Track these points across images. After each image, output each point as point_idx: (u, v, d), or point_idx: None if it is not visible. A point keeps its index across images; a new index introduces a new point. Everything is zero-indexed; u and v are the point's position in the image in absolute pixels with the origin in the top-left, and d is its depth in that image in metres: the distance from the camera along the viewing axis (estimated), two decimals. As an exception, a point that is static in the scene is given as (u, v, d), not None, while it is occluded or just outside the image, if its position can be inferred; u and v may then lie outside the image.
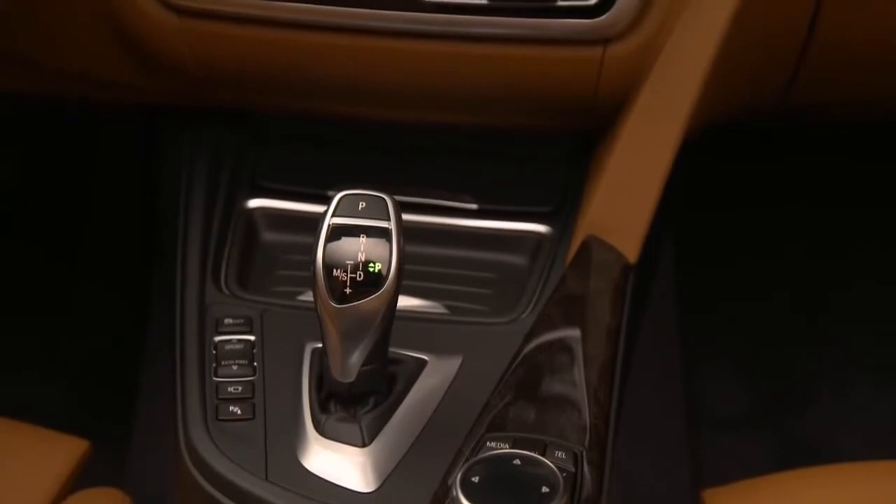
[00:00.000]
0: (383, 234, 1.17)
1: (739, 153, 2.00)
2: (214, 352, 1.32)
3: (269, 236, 1.53)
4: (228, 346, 1.33)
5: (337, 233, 1.17)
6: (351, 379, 1.20)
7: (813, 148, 2.07)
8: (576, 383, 1.28)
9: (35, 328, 2.06)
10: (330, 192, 1.42)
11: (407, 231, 1.19)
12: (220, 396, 1.28)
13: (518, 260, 1.50)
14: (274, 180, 1.56)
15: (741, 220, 2.19)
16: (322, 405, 1.25)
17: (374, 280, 1.16)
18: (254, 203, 1.55)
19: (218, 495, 1.23)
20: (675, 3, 1.37)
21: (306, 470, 1.21)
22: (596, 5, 1.35)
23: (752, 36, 1.41)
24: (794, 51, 1.46)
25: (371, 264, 1.16)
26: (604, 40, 1.37)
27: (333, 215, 1.18)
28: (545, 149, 1.55)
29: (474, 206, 1.55)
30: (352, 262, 1.16)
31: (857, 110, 1.68)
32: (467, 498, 1.07)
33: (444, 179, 1.55)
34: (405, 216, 1.20)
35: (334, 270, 1.16)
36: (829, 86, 1.55)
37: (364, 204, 1.18)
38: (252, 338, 1.34)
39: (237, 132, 1.58)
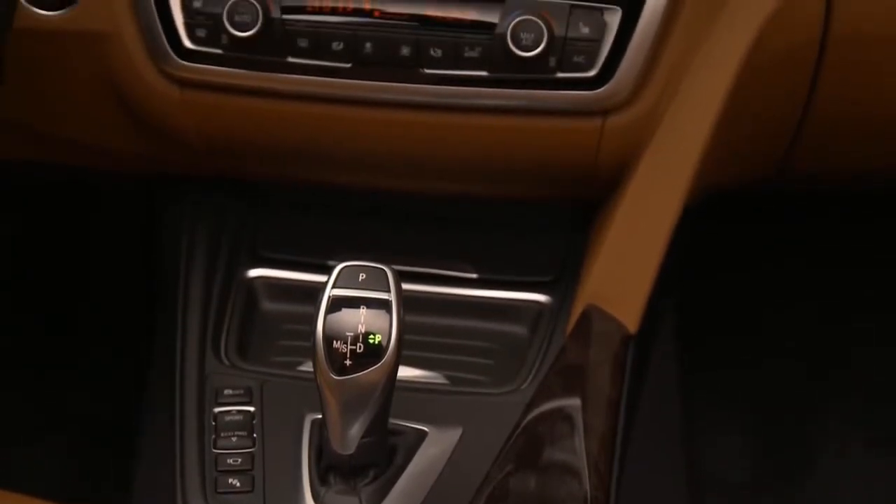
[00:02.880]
0: (383, 305, 1.17)
1: (739, 216, 2.01)
2: (214, 423, 1.32)
3: (269, 306, 1.54)
4: (228, 418, 1.33)
5: (337, 304, 1.17)
6: (351, 451, 1.19)
7: (813, 210, 2.07)
8: (576, 454, 1.27)
9: (34, 394, 2.06)
10: (330, 262, 1.43)
11: (407, 300, 1.19)
12: (219, 468, 1.28)
13: (518, 330, 1.50)
14: (274, 250, 1.56)
15: (741, 285, 2.19)
16: (322, 477, 1.25)
17: (375, 352, 1.16)
18: (254, 272, 1.55)
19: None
20: (674, 74, 1.38)
21: (306, 543, 1.21)
22: (595, 77, 1.35)
23: (751, 106, 1.42)
24: (792, 121, 1.47)
25: (371, 336, 1.16)
26: (603, 111, 1.38)
27: (334, 286, 1.18)
28: (545, 218, 1.56)
29: (474, 276, 1.55)
30: (352, 334, 1.16)
31: (856, 180, 1.69)
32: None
33: (443, 248, 1.56)
34: (405, 285, 1.21)
35: (334, 342, 1.16)
36: (827, 156, 1.56)
37: (364, 275, 1.19)
38: (252, 409, 1.34)
39: (238, 201, 1.58)
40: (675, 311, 1.96)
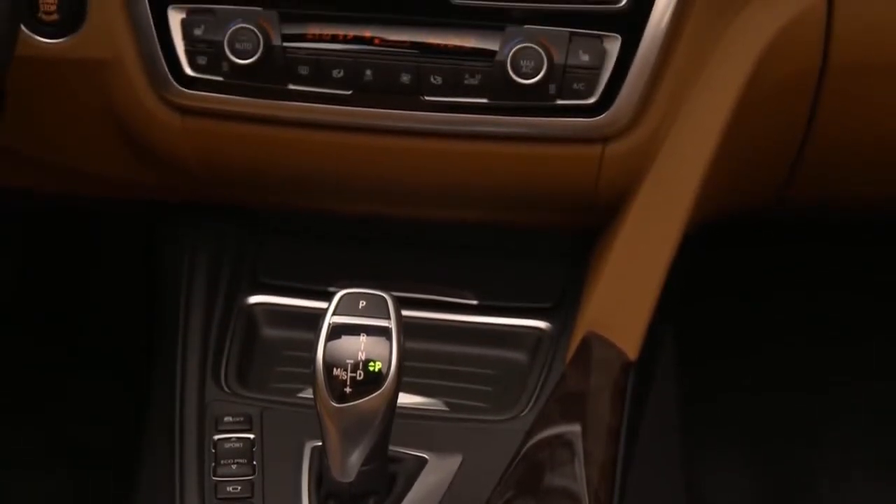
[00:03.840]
0: (383, 332, 1.18)
1: (738, 240, 2.01)
2: (214, 450, 1.32)
3: (269, 332, 1.54)
4: (228, 445, 1.33)
5: (337, 331, 1.18)
6: (350, 479, 1.19)
7: (813, 235, 2.07)
8: (576, 482, 1.27)
9: (33, 420, 2.05)
10: (331, 288, 1.44)
11: (407, 327, 1.19)
12: (218, 496, 1.28)
13: (518, 356, 1.50)
14: (274, 276, 1.56)
15: (741, 311, 2.19)
16: (322, 505, 1.24)
17: (375, 379, 1.17)
18: (254, 299, 1.55)
19: None
20: (674, 102, 1.39)
21: (305, 572, 1.21)
22: (595, 104, 1.35)
23: (751, 134, 1.42)
24: (792, 149, 1.47)
25: (371, 363, 1.17)
26: (603, 138, 1.38)
27: (334, 314, 1.18)
28: (545, 244, 1.56)
29: (474, 302, 1.55)
30: (352, 361, 1.17)
31: (856, 207, 1.69)
32: None
33: (443, 274, 1.56)
34: (405, 312, 1.21)
35: (334, 369, 1.16)
36: (827, 183, 1.56)
37: (364, 302, 1.19)
38: (251, 436, 1.33)
39: (238, 227, 1.58)
40: (675, 337, 1.96)
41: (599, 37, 1.34)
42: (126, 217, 1.90)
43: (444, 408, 1.43)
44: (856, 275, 2.18)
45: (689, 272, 1.56)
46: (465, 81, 1.36)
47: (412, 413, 1.37)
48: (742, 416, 2.11)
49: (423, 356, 1.48)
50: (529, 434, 1.32)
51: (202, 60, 1.37)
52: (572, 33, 1.34)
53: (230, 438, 1.33)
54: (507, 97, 1.36)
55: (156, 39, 1.37)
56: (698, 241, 1.49)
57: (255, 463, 1.30)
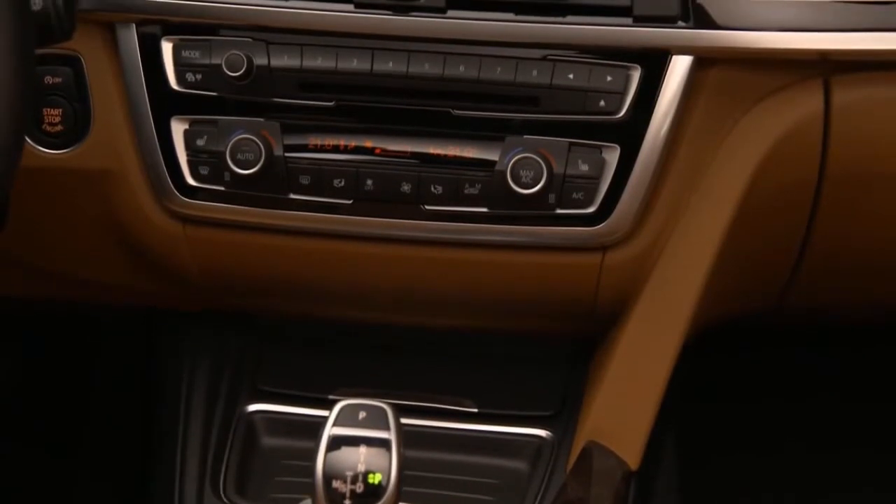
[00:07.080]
0: (383, 444, 1.17)
1: (739, 345, 2.01)
2: None
3: (269, 441, 1.53)
4: None
5: (337, 443, 1.17)
6: None
7: (812, 339, 2.07)
8: None
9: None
10: (331, 396, 1.43)
11: (407, 435, 1.18)
12: None
13: (518, 465, 1.50)
14: (274, 384, 1.56)
15: (741, 415, 2.18)
16: None
17: (374, 491, 1.15)
18: (254, 407, 1.55)
19: None
20: (673, 210, 1.39)
21: None
22: (594, 214, 1.36)
23: (749, 242, 1.43)
24: (790, 256, 1.48)
25: (371, 475, 1.16)
26: (603, 247, 1.39)
27: (334, 425, 1.18)
28: (545, 352, 1.56)
29: (474, 410, 1.55)
30: (351, 473, 1.15)
31: (856, 312, 1.69)
32: None
33: (444, 382, 1.56)
34: (405, 420, 1.20)
35: (334, 481, 1.15)
36: (826, 290, 1.56)
37: (364, 413, 1.18)
38: None
39: (238, 334, 1.58)
40: (675, 441, 1.95)
41: (598, 147, 1.35)
42: (126, 323, 1.90)
43: (445, 518, 1.43)
44: (855, 379, 2.17)
45: (689, 377, 1.55)
46: (466, 191, 1.36)
47: None
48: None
49: (423, 465, 1.47)
50: (530, 545, 1.32)
51: (204, 170, 1.38)
52: (571, 143, 1.34)
53: None
54: (507, 206, 1.36)
55: (158, 150, 1.38)
56: (698, 347, 1.49)
57: None
